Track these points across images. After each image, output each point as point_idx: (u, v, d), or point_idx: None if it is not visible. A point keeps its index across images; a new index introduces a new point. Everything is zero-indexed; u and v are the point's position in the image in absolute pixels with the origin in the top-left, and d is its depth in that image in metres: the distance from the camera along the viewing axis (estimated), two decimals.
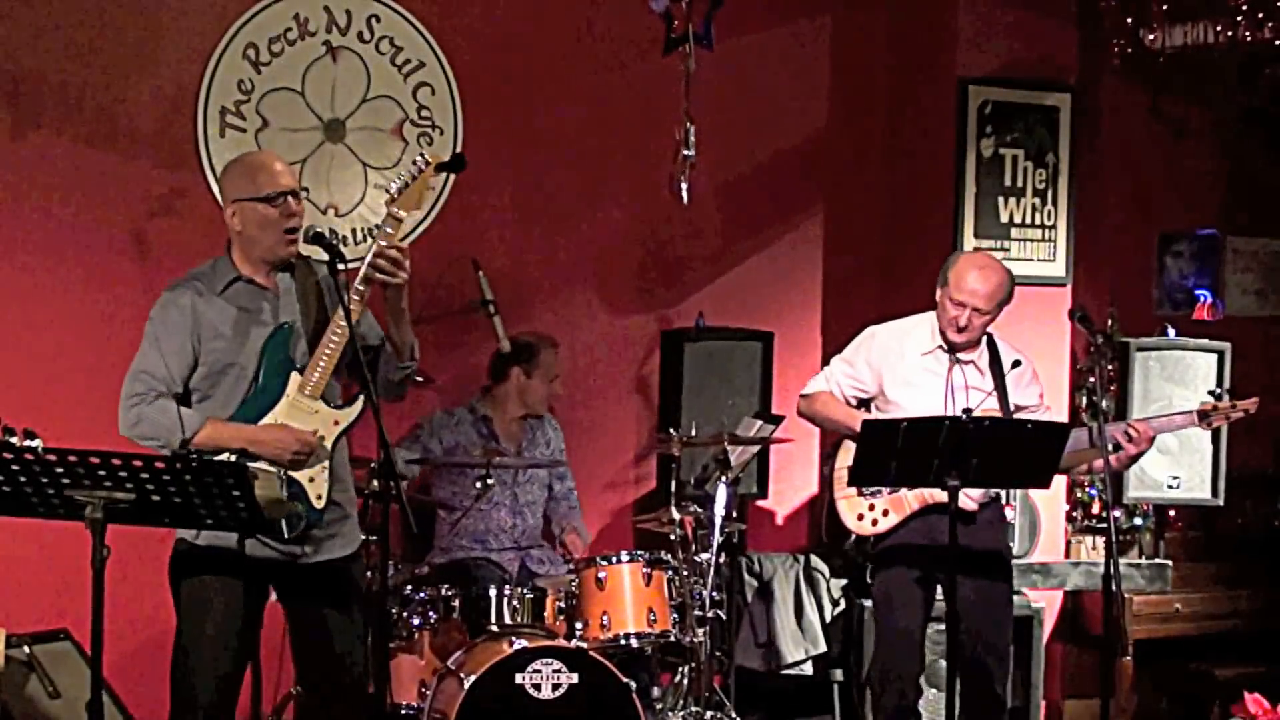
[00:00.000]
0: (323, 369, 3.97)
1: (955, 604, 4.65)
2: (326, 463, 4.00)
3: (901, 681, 4.95)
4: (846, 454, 4.90)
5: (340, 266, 3.93)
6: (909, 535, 4.90)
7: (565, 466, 5.78)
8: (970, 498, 4.84)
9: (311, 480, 3.98)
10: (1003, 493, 5.14)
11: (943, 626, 5.05)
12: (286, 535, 3.94)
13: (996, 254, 6.16)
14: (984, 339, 4.94)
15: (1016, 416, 4.85)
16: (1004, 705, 5.03)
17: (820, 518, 6.50)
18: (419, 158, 4.05)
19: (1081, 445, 4.76)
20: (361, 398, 4.00)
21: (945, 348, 4.90)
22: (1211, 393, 5.02)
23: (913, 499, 4.88)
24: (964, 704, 4.91)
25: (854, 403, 5.05)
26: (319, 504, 3.99)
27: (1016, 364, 4.92)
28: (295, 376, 3.99)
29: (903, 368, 4.92)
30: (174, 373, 3.97)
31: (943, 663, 5.26)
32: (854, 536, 4.97)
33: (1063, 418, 5.07)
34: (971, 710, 4.88)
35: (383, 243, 3.95)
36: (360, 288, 3.98)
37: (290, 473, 3.95)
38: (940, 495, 4.69)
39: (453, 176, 5.79)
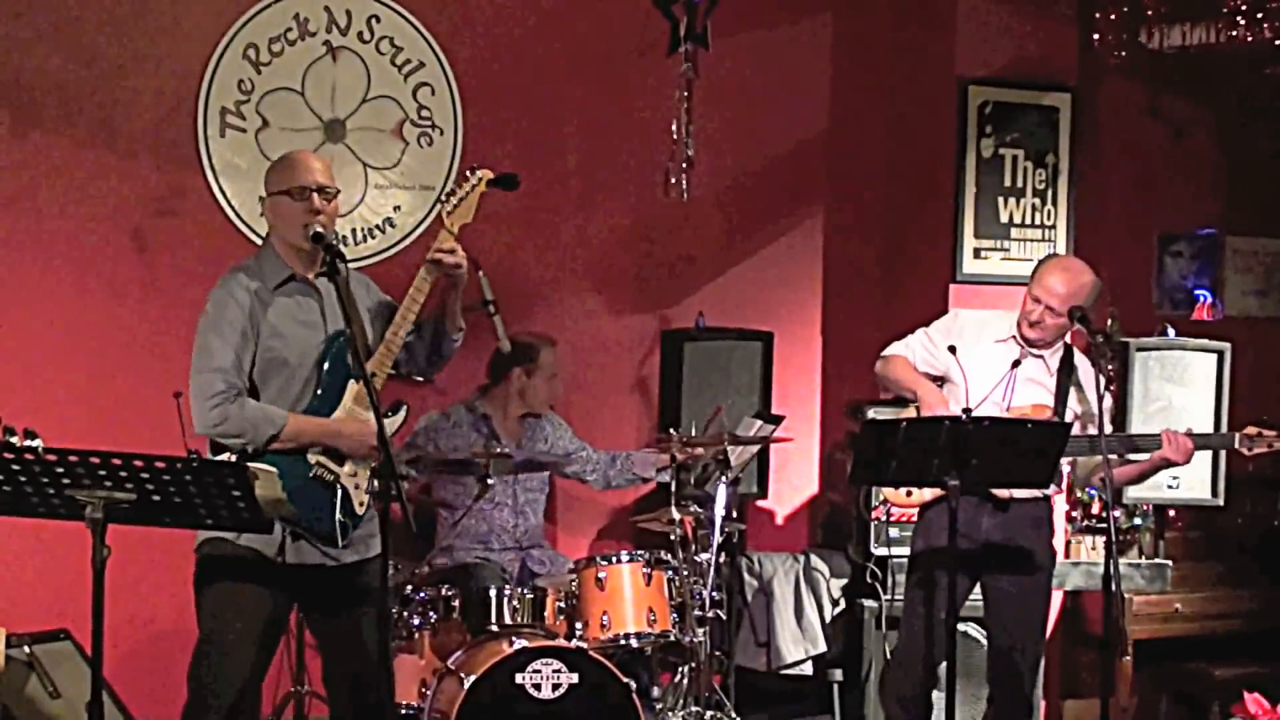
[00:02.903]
0: (378, 379, 3.99)
1: (988, 600, 4.65)
2: (369, 471, 4.03)
3: (918, 668, 4.85)
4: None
5: (341, 267, 3.93)
6: (945, 522, 4.68)
7: (580, 446, 5.81)
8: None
9: (357, 487, 4.01)
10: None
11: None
12: (340, 544, 3.98)
13: (996, 254, 6.20)
14: (1062, 347, 4.89)
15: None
16: (1030, 710, 4.98)
17: (819, 517, 6.56)
18: (470, 171, 4.13)
19: (1097, 457, 4.71)
20: (405, 408, 4.06)
21: (1020, 340, 4.88)
22: (1262, 420, 4.98)
23: None
24: (991, 706, 4.88)
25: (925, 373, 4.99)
26: (360, 510, 4.02)
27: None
28: (352, 385, 4.01)
29: (976, 350, 4.88)
30: (245, 367, 3.96)
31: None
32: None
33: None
34: (997, 713, 4.84)
35: (441, 246, 4.07)
36: (423, 280, 4.06)
37: (342, 480, 3.98)
38: None
39: (453, 173, 5.83)
